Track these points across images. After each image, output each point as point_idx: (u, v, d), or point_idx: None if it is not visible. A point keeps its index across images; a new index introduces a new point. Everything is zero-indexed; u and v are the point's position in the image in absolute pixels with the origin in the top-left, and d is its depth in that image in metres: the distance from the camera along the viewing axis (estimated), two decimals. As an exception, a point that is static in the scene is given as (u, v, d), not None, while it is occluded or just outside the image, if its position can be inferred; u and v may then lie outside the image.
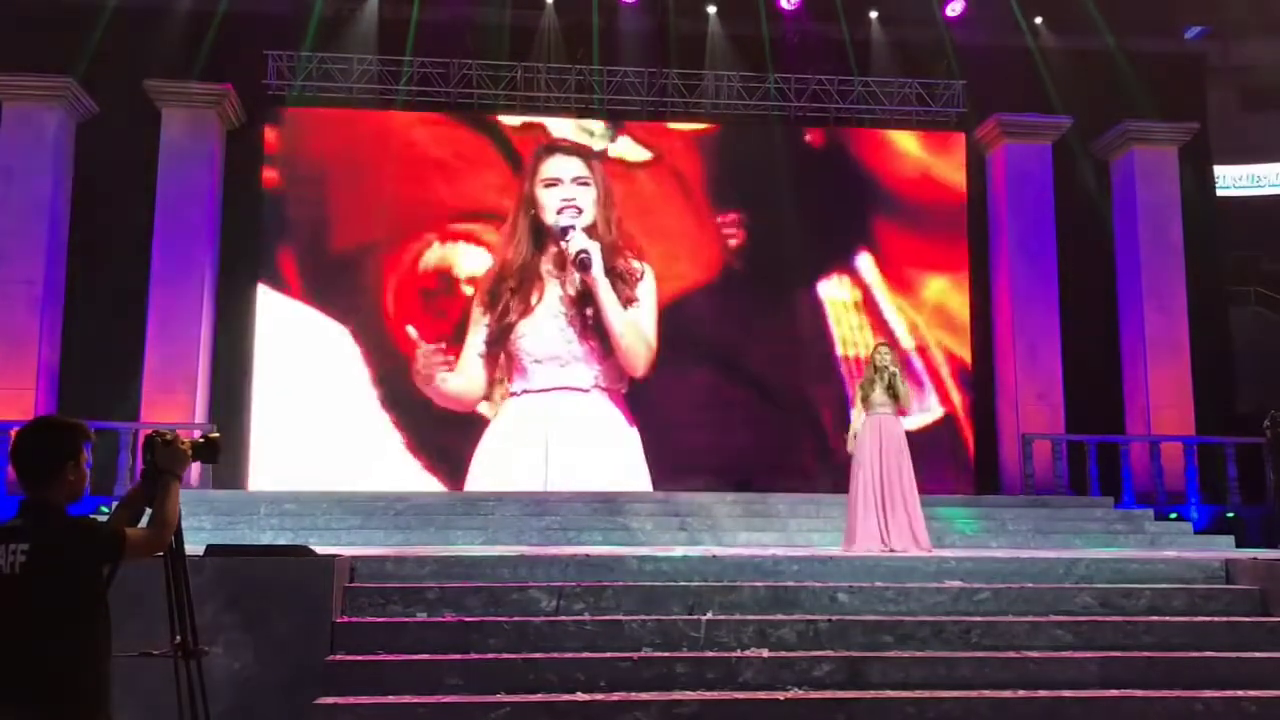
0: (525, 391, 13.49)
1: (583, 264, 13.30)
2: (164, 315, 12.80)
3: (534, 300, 13.54)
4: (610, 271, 13.55)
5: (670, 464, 13.18)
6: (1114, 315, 14.43)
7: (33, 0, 13.14)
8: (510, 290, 13.50)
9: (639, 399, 13.58)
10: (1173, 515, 12.16)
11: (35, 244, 12.53)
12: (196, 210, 13.07)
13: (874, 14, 14.66)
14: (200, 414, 12.71)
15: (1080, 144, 14.66)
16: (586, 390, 13.53)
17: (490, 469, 13.20)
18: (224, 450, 3.61)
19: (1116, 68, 14.54)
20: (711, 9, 14.52)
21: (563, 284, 13.57)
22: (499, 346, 13.48)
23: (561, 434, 13.25)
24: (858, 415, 8.44)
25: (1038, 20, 14.72)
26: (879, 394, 8.28)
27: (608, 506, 11.17)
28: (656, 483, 13.12)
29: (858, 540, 8.08)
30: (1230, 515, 12.46)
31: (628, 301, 13.56)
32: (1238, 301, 15.76)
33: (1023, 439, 13.36)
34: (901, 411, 8.38)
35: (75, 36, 13.00)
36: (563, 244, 13.45)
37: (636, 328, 13.61)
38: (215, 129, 13.37)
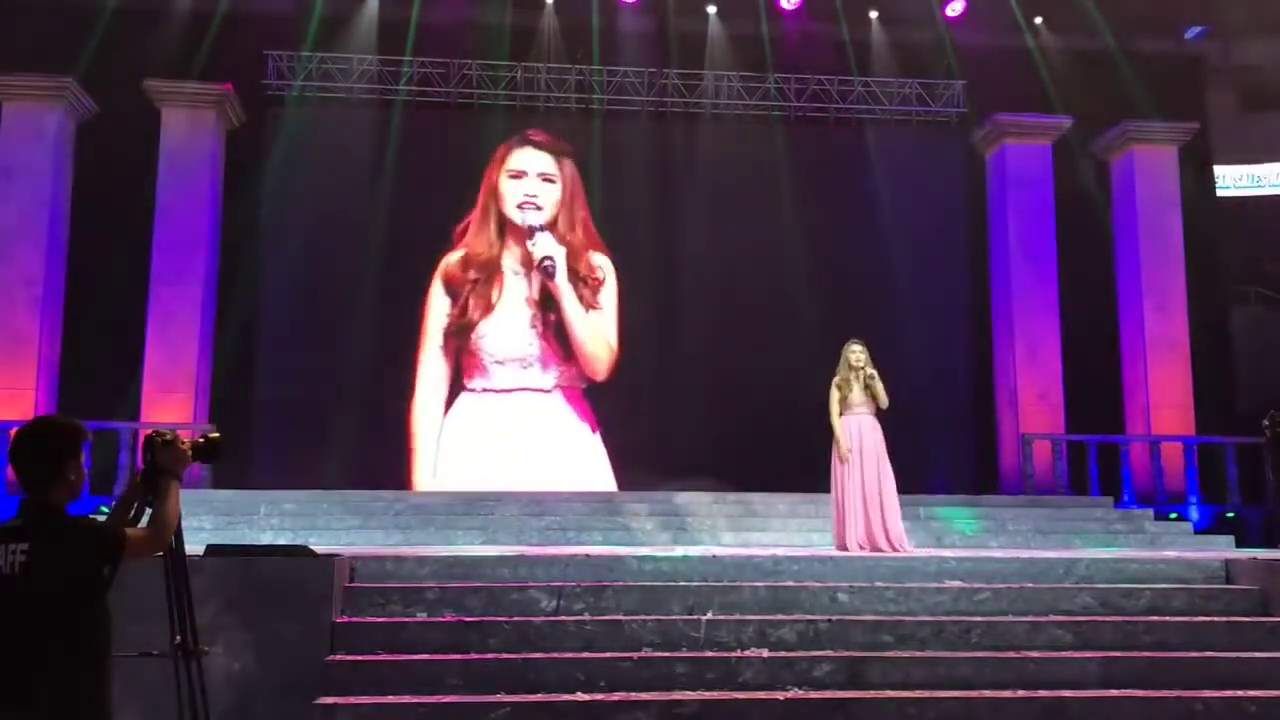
0: (486, 390, 13.44)
1: (546, 271, 13.25)
2: (164, 315, 12.80)
3: (495, 297, 13.47)
4: (573, 274, 13.50)
5: (636, 465, 13.03)
6: (1114, 315, 14.42)
7: (33, 0, 13.14)
8: (471, 284, 13.43)
9: (603, 399, 13.52)
10: (1173, 515, 12.16)
11: (35, 244, 12.52)
12: (196, 210, 13.07)
13: (874, 14, 14.65)
14: (200, 414, 12.71)
15: (1080, 144, 14.65)
16: (549, 391, 13.49)
17: (445, 469, 13.13)
18: (224, 450, 3.60)
19: (1116, 68, 14.53)
20: (711, 9, 14.52)
21: (527, 281, 13.52)
22: (458, 341, 13.42)
23: (522, 434, 13.19)
24: (837, 418, 8.26)
25: (1038, 20, 14.70)
26: (857, 394, 8.20)
27: (607, 506, 11.16)
28: (621, 485, 13.06)
29: (848, 543, 8.05)
30: (1230, 515, 12.47)
31: (589, 306, 13.50)
32: (1238, 301, 15.75)
33: (1023, 439, 13.36)
34: (878, 411, 8.30)
35: (75, 36, 12.98)
36: (529, 245, 13.41)
37: (599, 333, 13.55)
38: (215, 129, 13.36)
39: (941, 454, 13.53)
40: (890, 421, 8.45)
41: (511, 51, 14.14)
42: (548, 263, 13.25)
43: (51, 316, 12.69)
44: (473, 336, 13.42)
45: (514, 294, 13.56)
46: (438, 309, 13.56)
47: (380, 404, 13.31)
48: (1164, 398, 13.71)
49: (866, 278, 14.09)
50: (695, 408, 13.42)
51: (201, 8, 13.55)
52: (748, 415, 13.22)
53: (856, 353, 8.28)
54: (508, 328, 13.48)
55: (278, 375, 13.36)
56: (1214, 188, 15.74)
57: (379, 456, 13.11)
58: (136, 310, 12.75)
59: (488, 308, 13.43)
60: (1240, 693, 5.36)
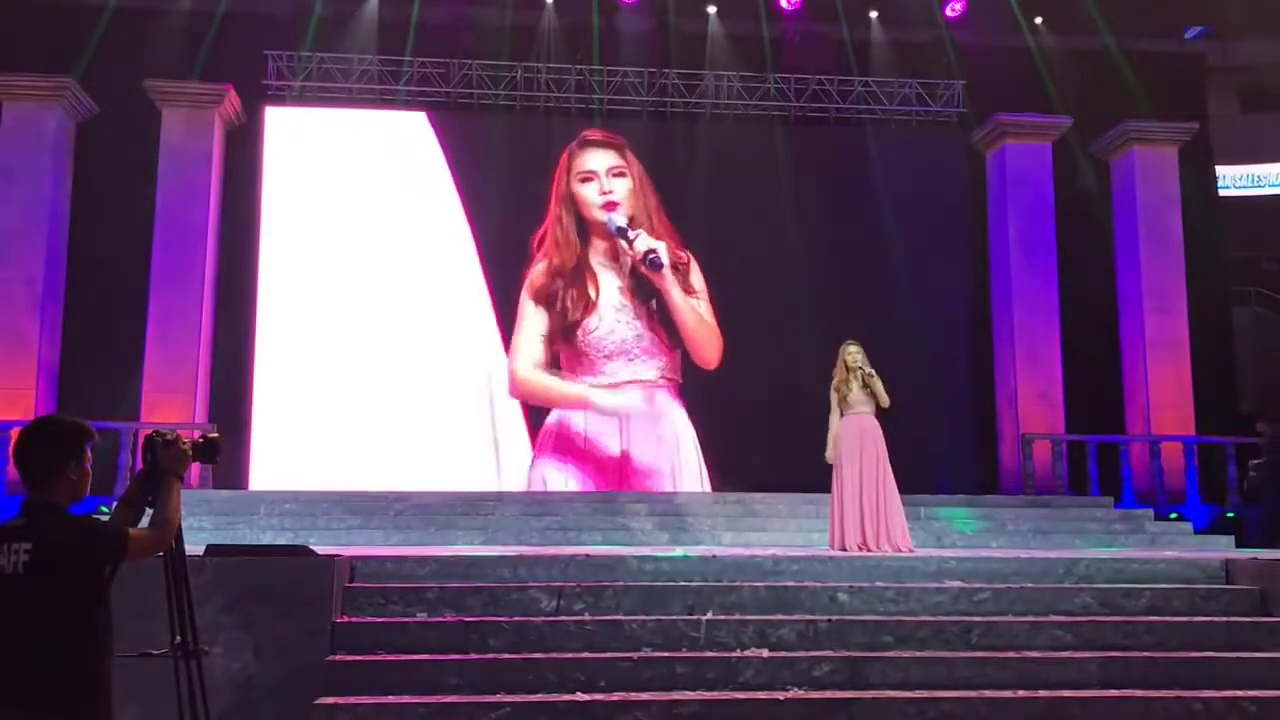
0: (595, 387, 13.29)
1: (653, 264, 12.85)
2: (164, 315, 12.79)
3: (593, 295, 13.34)
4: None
5: (731, 460, 13.01)
6: (1114, 315, 14.42)
7: (33, 0, 13.15)
8: (563, 287, 13.33)
9: (700, 394, 13.44)
10: (1173, 515, 12.15)
11: (35, 244, 12.53)
12: (196, 210, 13.07)
13: (874, 14, 14.64)
14: (200, 414, 12.71)
15: (1080, 144, 14.66)
16: (655, 382, 13.41)
17: (559, 467, 13.09)
18: (224, 450, 3.61)
19: (1116, 68, 14.54)
20: (711, 9, 14.51)
21: (617, 275, 13.44)
22: (563, 344, 13.35)
23: (635, 429, 13.13)
24: (835, 419, 8.32)
25: (1038, 20, 14.70)
26: (857, 393, 8.22)
27: (608, 506, 11.17)
28: (714, 479, 13.01)
29: (846, 543, 8.05)
30: (1230, 515, 12.46)
31: (688, 291, 13.37)
32: (1238, 301, 15.76)
33: (1023, 439, 13.36)
34: (878, 410, 8.29)
35: (75, 36, 13.00)
36: (622, 244, 13.16)
37: (705, 319, 13.46)
38: (215, 129, 13.36)
39: (941, 454, 13.51)
40: (890, 422, 8.45)
41: (511, 51, 14.13)
42: (653, 255, 12.86)
43: (51, 316, 12.69)
44: (579, 334, 13.30)
45: (609, 288, 13.44)
46: (532, 320, 13.39)
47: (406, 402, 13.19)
48: (1164, 398, 13.70)
49: (866, 277, 14.04)
50: (748, 406, 13.26)
51: (201, 8, 13.55)
52: (747, 414, 13.21)
53: (853, 353, 8.29)
54: (611, 321, 13.35)
55: (278, 375, 13.34)
56: (1214, 188, 15.73)
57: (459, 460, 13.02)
58: (136, 310, 12.74)
59: (589, 306, 13.29)
60: (1240, 693, 5.36)
